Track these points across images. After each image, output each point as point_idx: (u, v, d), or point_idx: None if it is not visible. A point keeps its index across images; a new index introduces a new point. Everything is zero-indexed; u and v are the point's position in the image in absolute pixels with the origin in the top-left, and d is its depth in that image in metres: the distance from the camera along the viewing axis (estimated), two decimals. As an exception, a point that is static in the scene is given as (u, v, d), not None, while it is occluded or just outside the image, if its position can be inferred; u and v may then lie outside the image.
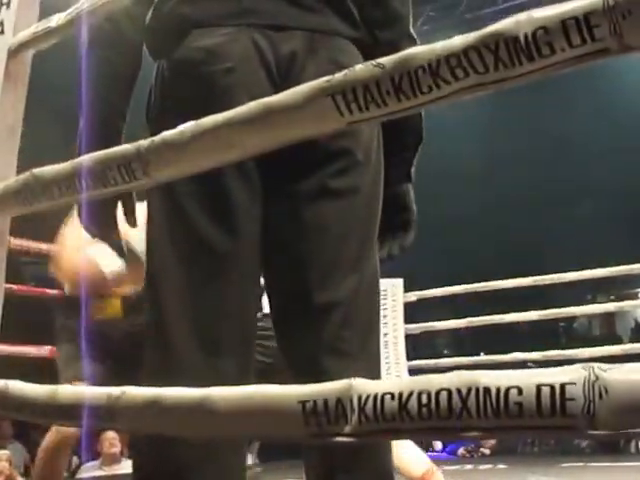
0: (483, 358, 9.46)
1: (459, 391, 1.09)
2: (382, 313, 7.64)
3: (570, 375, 1.03)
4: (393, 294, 7.55)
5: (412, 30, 2.19)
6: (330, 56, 2.01)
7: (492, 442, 11.51)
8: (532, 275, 7.76)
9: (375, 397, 1.15)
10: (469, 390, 1.08)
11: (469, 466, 8.51)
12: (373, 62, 1.29)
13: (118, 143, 1.82)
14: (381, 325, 8.38)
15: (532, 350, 7.80)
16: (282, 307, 2.07)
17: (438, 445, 12.63)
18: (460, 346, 18.66)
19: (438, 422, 1.11)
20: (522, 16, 1.15)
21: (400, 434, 1.16)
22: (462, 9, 11.35)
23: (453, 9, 11.14)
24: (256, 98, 1.45)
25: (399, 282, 7.58)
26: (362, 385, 1.18)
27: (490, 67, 1.17)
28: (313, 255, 1.99)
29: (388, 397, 1.14)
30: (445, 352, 19.08)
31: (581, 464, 7.49)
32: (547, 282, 7.70)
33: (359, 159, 2.02)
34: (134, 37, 2.13)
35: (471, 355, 9.30)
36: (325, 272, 1.99)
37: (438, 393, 1.10)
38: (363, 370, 1.78)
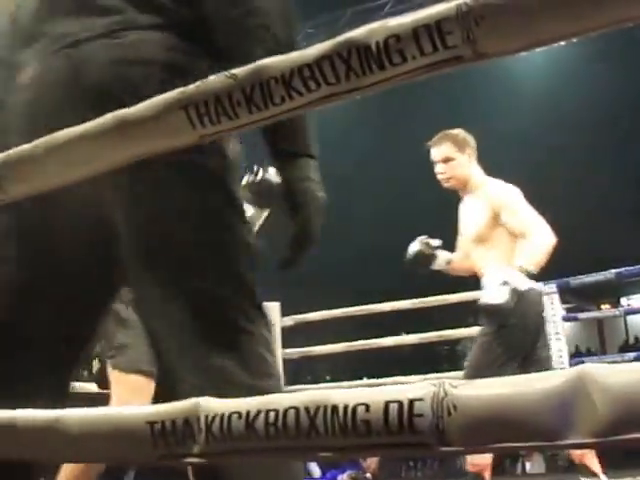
0: (364, 382, 9.45)
1: (307, 409, 1.06)
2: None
3: (419, 391, 1.01)
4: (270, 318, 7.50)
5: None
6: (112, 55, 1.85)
7: (374, 467, 11.49)
8: (416, 296, 7.76)
9: (222, 416, 1.11)
10: (317, 408, 1.05)
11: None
12: (226, 73, 1.27)
13: None
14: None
15: (413, 373, 7.77)
16: None
17: (316, 472, 12.43)
18: (342, 371, 18.68)
19: (287, 441, 1.08)
20: (375, 24, 1.13)
21: (248, 454, 1.12)
22: (342, 25, 11.40)
23: (333, 25, 11.21)
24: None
25: (275, 306, 7.53)
26: (209, 404, 1.14)
27: (342, 77, 1.15)
28: None
29: (235, 416, 1.10)
30: (327, 377, 19.11)
31: (465, 486, 7.51)
32: (428, 304, 7.69)
33: None
34: None
35: (352, 379, 9.29)
36: None
37: (286, 412, 1.07)
38: None
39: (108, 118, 1.40)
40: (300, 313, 8.03)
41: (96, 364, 2.50)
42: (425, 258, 4.72)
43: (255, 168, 3.41)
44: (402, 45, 1.09)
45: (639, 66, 13.65)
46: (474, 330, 10.84)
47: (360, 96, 1.18)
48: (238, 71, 1.25)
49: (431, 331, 8.02)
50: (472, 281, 8.48)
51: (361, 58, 1.13)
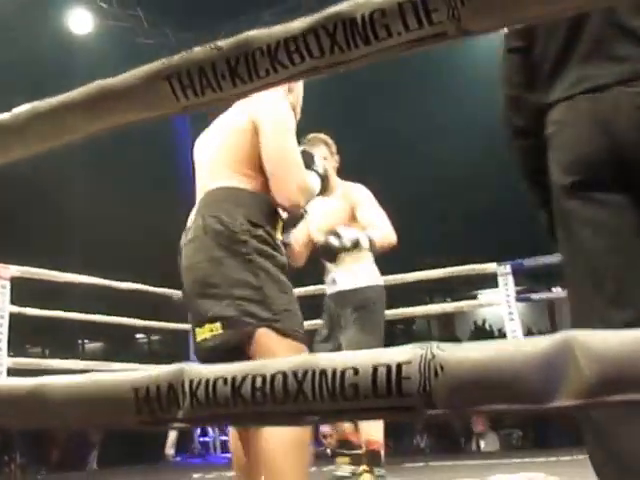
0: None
1: (295, 374, 1.07)
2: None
3: (406, 355, 1.03)
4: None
5: None
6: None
7: (333, 442, 11.51)
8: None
9: (207, 382, 1.12)
10: (305, 373, 1.07)
11: (313, 468, 8.56)
12: (211, 44, 1.27)
13: None
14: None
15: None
16: None
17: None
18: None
19: (274, 406, 1.09)
20: (362, -1, 1.14)
21: (234, 419, 1.14)
22: (301, 13, 11.39)
23: (293, 13, 11.20)
24: None
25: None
26: (194, 370, 1.15)
27: (326, 51, 1.16)
28: None
29: (221, 381, 1.12)
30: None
31: (422, 464, 7.56)
32: (385, 284, 7.70)
33: None
34: None
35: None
36: None
37: (273, 376, 1.08)
38: None
39: (90, 87, 1.40)
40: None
41: (217, 327, 2.51)
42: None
43: None
44: (388, 20, 1.11)
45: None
46: (430, 308, 10.89)
47: (344, 70, 1.19)
48: (223, 43, 1.25)
49: (388, 309, 8.05)
50: (428, 261, 8.54)
51: (346, 32, 1.14)
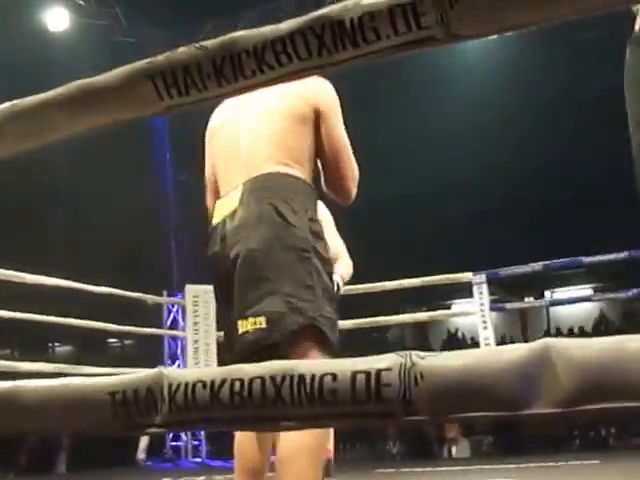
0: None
1: (273, 379, 1.07)
2: (193, 320, 7.60)
3: (386, 362, 1.02)
4: (205, 301, 7.52)
5: None
6: None
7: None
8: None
9: (186, 385, 1.11)
10: (284, 378, 1.06)
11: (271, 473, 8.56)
12: (196, 44, 1.26)
13: None
14: (192, 331, 8.17)
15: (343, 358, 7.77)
16: None
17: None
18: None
19: (252, 411, 1.08)
20: (350, 1, 1.14)
21: (213, 424, 1.13)
22: (283, 14, 11.38)
23: (275, 12, 11.19)
24: None
25: (210, 289, 7.51)
26: (173, 373, 1.14)
27: (314, 52, 1.15)
28: None
29: (200, 385, 1.10)
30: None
31: (393, 470, 7.57)
32: (360, 291, 7.73)
33: None
34: None
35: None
36: None
37: (251, 381, 1.08)
38: None
39: (73, 86, 1.39)
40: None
41: (262, 321, 2.41)
42: None
43: None
44: (376, 23, 1.10)
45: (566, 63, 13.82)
46: (405, 317, 10.91)
47: (331, 72, 1.19)
48: (209, 43, 1.24)
49: (363, 317, 8.07)
50: (404, 271, 8.55)
51: (334, 34, 1.13)
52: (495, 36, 1.12)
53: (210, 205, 2.91)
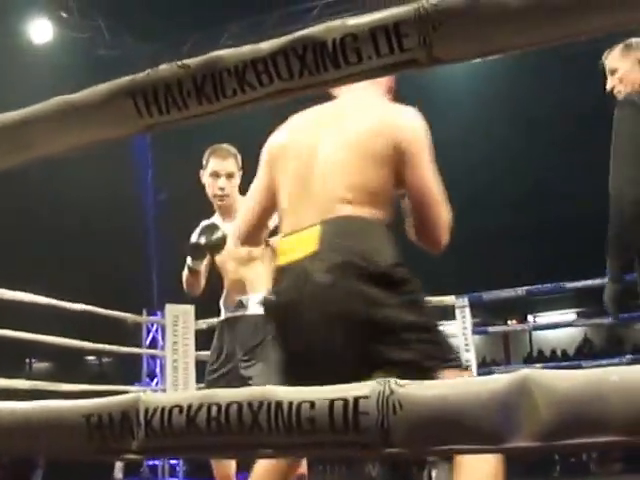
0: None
1: (250, 405, 1.04)
2: (173, 339, 7.56)
3: (364, 390, 1.00)
4: (184, 320, 7.50)
5: None
6: None
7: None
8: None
9: (163, 410, 1.09)
10: (261, 404, 1.04)
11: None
12: (178, 62, 1.25)
13: None
14: (171, 350, 8.10)
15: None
16: None
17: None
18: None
19: (229, 437, 1.06)
20: (334, 22, 1.12)
21: (189, 451, 1.10)
22: (267, 27, 11.36)
23: (259, 26, 11.18)
24: None
25: (190, 309, 7.50)
26: (150, 398, 1.11)
27: (295, 73, 1.14)
28: None
29: (176, 410, 1.08)
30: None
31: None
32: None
33: None
34: None
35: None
36: None
37: (228, 406, 1.05)
38: None
39: (52, 102, 1.37)
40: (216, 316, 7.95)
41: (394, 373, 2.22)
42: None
43: None
44: (359, 44, 1.09)
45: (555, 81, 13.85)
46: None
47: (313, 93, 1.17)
48: (190, 61, 1.23)
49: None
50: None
51: (316, 55, 1.12)
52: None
53: (244, 229, 2.72)
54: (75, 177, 11.33)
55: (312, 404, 1.01)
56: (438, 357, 2.31)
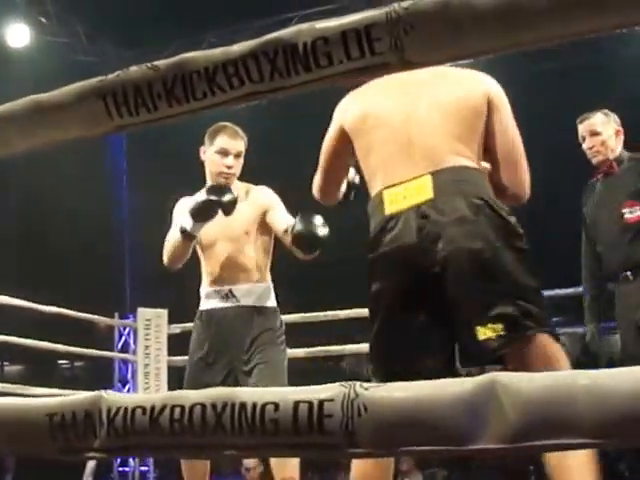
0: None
1: (214, 406, 1.04)
2: (144, 343, 7.53)
3: (329, 392, 1.01)
4: (157, 325, 7.45)
5: None
6: None
7: (256, 476, 11.35)
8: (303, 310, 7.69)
9: (126, 410, 1.09)
10: (225, 405, 1.04)
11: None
12: (148, 64, 1.25)
13: None
14: (143, 355, 8.04)
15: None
16: None
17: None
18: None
19: (192, 438, 1.06)
20: (305, 25, 1.13)
21: (151, 451, 1.10)
22: (247, 36, 11.39)
23: (238, 35, 11.19)
24: None
25: (163, 313, 7.45)
26: (112, 398, 1.11)
27: (266, 76, 1.14)
28: None
29: (139, 411, 1.08)
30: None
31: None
32: (314, 319, 7.65)
33: None
34: None
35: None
36: None
37: (192, 408, 1.05)
38: None
39: (24, 102, 1.37)
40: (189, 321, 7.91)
41: (500, 328, 2.24)
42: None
43: None
44: (330, 48, 1.10)
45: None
46: (360, 347, 10.86)
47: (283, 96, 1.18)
48: (161, 63, 1.23)
49: (317, 346, 8.01)
50: (358, 297, 8.51)
51: (287, 58, 1.12)
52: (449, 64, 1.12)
53: (323, 184, 2.83)
54: (48, 180, 11.29)
55: (276, 406, 1.01)
56: (538, 319, 2.35)
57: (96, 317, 7.70)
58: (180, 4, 11.62)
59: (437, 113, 2.54)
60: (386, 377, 2.29)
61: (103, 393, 1.13)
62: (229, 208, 3.68)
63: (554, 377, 0.94)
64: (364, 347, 10.79)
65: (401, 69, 1.07)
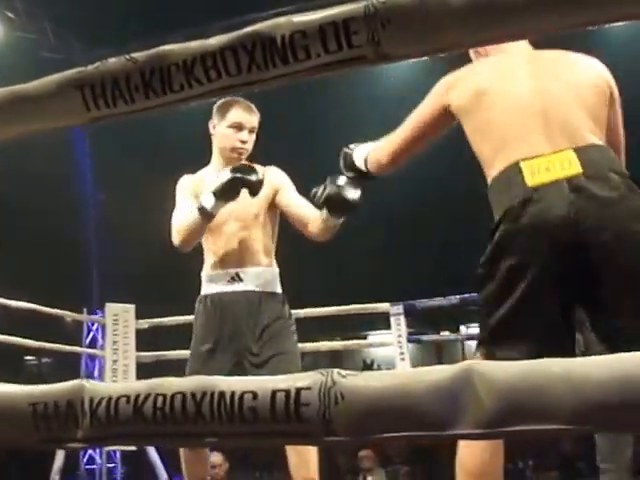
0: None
1: (194, 395, 1.06)
2: (112, 339, 7.48)
3: (306, 381, 1.02)
4: (125, 320, 7.40)
5: None
6: None
7: (221, 474, 11.32)
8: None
9: (109, 400, 1.09)
10: (204, 394, 1.05)
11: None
12: (126, 56, 1.25)
13: None
14: (111, 350, 7.95)
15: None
16: None
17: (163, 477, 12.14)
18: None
19: (174, 427, 1.07)
20: (283, 19, 1.14)
21: (134, 440, 1.11)
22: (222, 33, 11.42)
23: (213, 34, 11.19)
24: None
25: (131, 308, 7.39)
26: (95, 387, 1.12)
27: (244, 69, 1.15)
28: None
29: (123, 400, 1.09)
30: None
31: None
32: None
33: None
34: None
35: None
36: None
37: (173, 396, 1.06)
38: None
39: (1, 92, 1.37)
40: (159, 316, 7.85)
41: None
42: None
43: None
44: (307, 41, 1.11)
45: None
46: (320, 345, 10.84)
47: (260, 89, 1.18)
48: (138, 55, 1.23)
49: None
50: (329, 297, 8.50)
51: (265, 51, 1.13)
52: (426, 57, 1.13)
53: (397, 156, 2.80)
54: (15, 173, 11.21)
55: (254, 395, 1.03)
56: None
57: (64, 312, 7.66)
58: (147, 3, 11.58)
59: (574, 93, 2.52)
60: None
61: (85, 382, 1.13)
62: (256, 187, 3.52)
63: (529, 365, 0.96)
64: (323, 345, 10.77)
65: (377, 63, 1.09)
